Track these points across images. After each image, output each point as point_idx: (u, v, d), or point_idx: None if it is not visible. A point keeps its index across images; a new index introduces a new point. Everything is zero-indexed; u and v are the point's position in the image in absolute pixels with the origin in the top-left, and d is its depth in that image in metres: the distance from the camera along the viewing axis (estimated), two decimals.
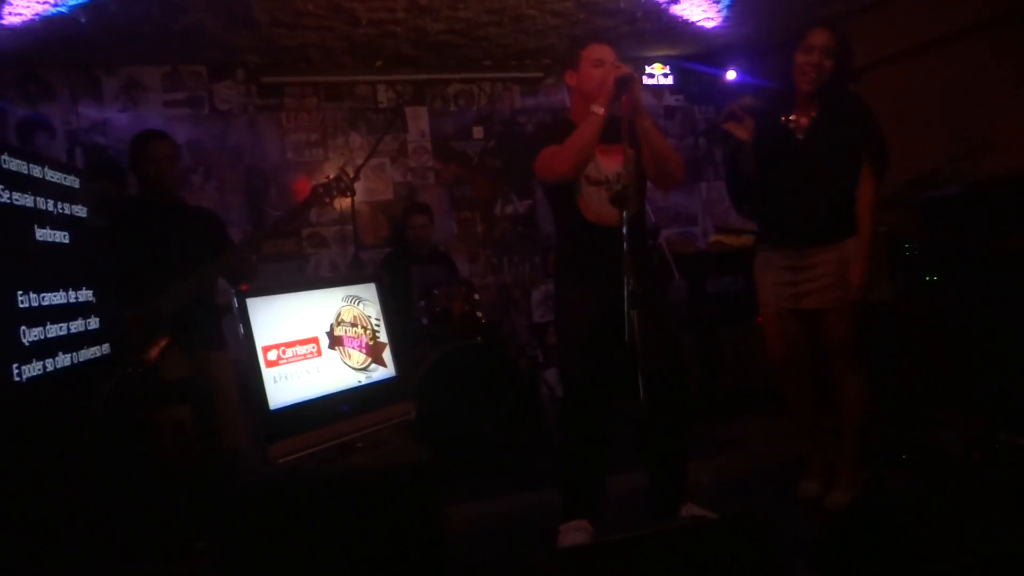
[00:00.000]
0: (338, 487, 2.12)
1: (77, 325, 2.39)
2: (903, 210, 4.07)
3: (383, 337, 2.54)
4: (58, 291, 2.31)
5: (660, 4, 4.69)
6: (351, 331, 2.43)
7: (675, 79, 6.05)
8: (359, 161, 4.83)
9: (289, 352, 2.22)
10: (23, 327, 2.10)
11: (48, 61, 4.72)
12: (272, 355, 2.18)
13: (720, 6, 4.83)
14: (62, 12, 3.97)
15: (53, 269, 2.32)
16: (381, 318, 2.55)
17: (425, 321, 4.27)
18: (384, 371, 2.51)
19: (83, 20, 4.08)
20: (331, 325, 2.37)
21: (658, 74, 5.97)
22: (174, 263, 3.10)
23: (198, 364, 3.14)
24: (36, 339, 2.16)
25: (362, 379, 2.42)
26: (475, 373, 4.02)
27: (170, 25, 4.31)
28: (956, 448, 3.31)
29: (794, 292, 3.00)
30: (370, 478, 2.16)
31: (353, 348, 2.42)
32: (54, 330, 2.26)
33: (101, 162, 4.67)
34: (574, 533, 2.80)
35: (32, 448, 2.11)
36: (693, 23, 5.11)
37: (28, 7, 3.86)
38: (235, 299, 2.15)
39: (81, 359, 2.38)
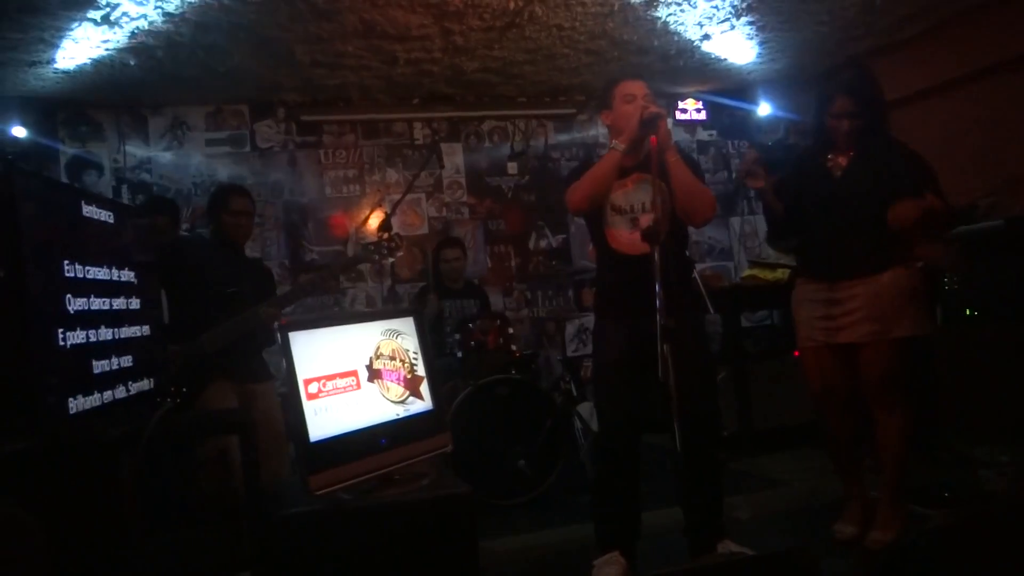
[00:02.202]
0: (377, 519, 2.15)
1: (119, 303, 2.46)
2: (942, 244, 4.03)
3: (420, 370, 2.57)
4: (102, 267, 2.38)
5: (693, 41, 4.75)
6: (390, 364, 2.47)
7: (708, 114, 6.10)
8: (395, 197, 4.92)
9: (329, 385, 2.27)
10: (68, 295, 2.18)
11: (98, 102, 4.90)
12: (313, 388, 2.22)
13: (753, 43, 4.88)
14: (112, 56, 4.13)
15: (98, 244, 2.39)
16: (419, 352, 2.59)
17: (459, 354, 4.30)
18: (421, 404, 2.54)
19: (132, 63, 4.24)
20: (370, 358, 2.41)
21: (691, 109, 6.02)
22: (226, 306, 3.20)
23: (245, 396, 3.21)
24: (81, 308, 2.22)
25: (400, 412, 2.45)
26: (509, 407, 4.03)
27: (215, 67, 4.45)
28: (999, 486, 3.24)
29: (829, 326, 3.00)
30: (409, 510, 2.18)
31: (392, 381, 2.46)
32: (97, 303, 2.32)
33: (156, 199, 4.80)
34: (608, 568, 2.78)
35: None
36: (726, 59, 5.16)
37: (81, 51, 4.02)
38: (278, 333, 2.20)
39: (122, 336, 2.45)
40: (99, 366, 2.29)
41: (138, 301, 2.58)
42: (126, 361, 2.44)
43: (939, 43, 4.72)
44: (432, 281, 4.93)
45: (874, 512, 3.01)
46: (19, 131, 4.59)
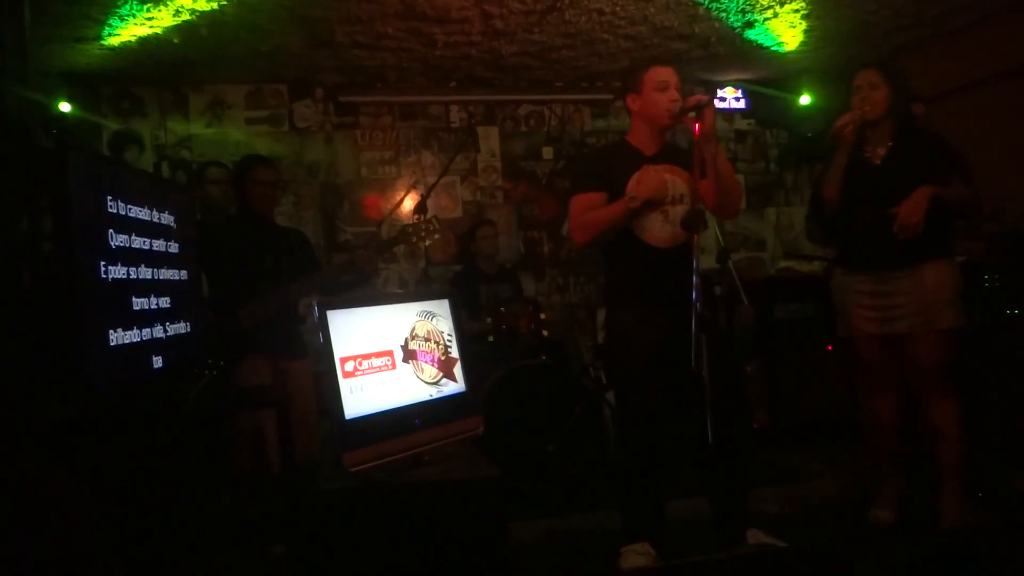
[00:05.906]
0: (410, 498, 2.17)
1: (159, 244, 2.53)
2: (984, 241, 3.96)
3: (454, 352, 2.58)
4: (143, 207, 2.44)
5: (735, 28, 4.69)
6: (424, 346, 2.48)
7: (747, 103, 6.02)
8: (431, 179, 4.94)
9: (365, 364, 2.28)
10: (111, 230, 2.24)
11: (141, 79, 4.97)
12: (349, 366, 2.24)
13: (797, 31, 4.80)
14: (157, 34, 4.18)
15: (139, 186, 2.47)
16: (453, 334, 2.60)
17: (491, 338, 4.32)
18: (455, 386, 2.55)
19: (176, 41, 4.29)
20: (406, 339, 2.43)
21: (730, 98, 5.95)
22: (262, 279, 3.22)
23: (279, 372, 3.25)
24: (122, 245, 2.29)
25: (433, 393, 2.46)
26: (539, 391, 4.04)
27: (257, 47, 4.49)
28: None
29: (877, 317, 3.03)
30: (441, 491, 2.20)
31: (426, 362, 2.47)
32: (138, 242, 2.39)
33: (206, 163, 4.77)
34: (635, 556, 2.79)
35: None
36: (768, 47, 5.09)
37: (127, 28, 4.07)
38: (316, 310, 2.22)
39: (161, 277, 2.51)
40: (138, 303, 2.35)
41: (176, 245, 2.63)
42: (164, 302, 2.50)
43: (979, 38, 4.62)
44: (466, 265, 4.94)
45: (940, 500, 2.98)
46: (64, 107, 4.66)
